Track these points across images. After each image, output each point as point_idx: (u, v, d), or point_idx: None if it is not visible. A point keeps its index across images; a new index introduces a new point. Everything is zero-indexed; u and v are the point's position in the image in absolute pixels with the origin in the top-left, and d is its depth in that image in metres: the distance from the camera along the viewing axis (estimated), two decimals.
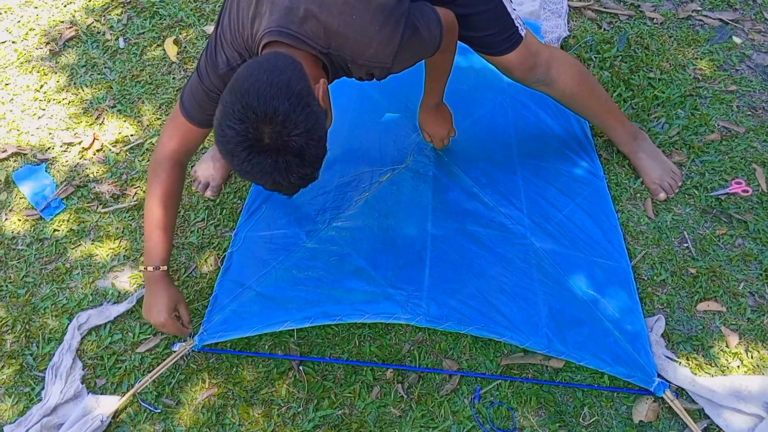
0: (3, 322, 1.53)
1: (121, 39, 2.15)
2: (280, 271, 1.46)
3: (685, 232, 1.60)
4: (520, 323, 1.33)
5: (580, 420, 1.32)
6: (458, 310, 1.34)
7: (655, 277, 1.52)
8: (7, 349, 1.49)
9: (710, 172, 1.70)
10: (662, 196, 1.64)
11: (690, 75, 1.91)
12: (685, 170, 1.71)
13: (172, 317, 1.33)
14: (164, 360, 1.41)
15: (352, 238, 1.49)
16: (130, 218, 1.70)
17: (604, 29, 2.07)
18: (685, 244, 1.58)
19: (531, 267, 1.45)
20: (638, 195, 1.67)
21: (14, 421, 1.34)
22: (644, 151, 1.68)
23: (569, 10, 2.16)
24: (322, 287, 1.39)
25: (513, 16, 1.38)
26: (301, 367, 1.42)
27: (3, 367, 1.46)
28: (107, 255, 1.63)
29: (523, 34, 1.40)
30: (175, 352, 1.40)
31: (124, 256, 1.63)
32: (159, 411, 1.38)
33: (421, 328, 1.42)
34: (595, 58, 1.98)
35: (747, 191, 1.64)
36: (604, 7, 2.15)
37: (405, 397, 1.37)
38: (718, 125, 1.79)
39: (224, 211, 1.69)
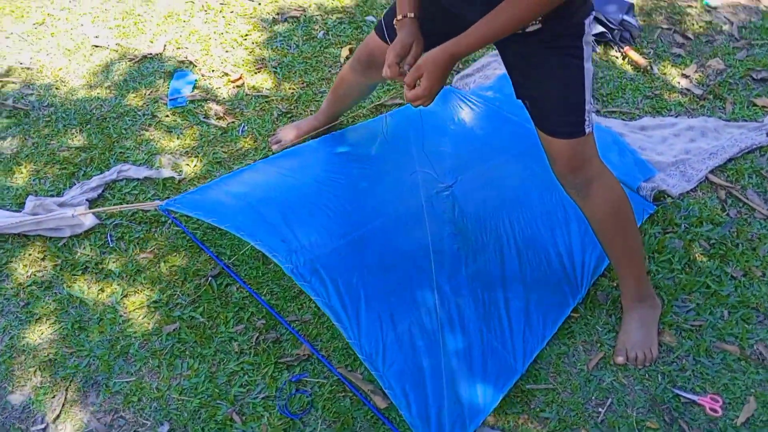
0: (91, 147, 2.18)
1: (321, 32, 2.80)
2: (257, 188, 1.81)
3: (610, 401, 1.52)
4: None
5: None
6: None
7: (540, 413, 1.49)
8: (78, 160, 2.13)
9: (696, 373, 1.59)
10: (620, 359, 1.61)
11: (764, 291, 1.78)
12: (672, 356, 1.62)
13: (395, 61, 1.39)
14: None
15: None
16: (211, 135, 2.26)
17: (726, 213, 2.02)
18: (600, 410, 1.51)
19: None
20: (598, 345, 1.65)
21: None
22: (641, 317, 1.67)
23: (705, 181, 2.15)
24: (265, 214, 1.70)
25: (587, 109, 1.42)
26: (211, 280, 1.76)
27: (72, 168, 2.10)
28: (175, 146, 2.20)
29: (587, 131, 1.44)
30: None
31: (178, 151, 2.17)
32: (111, 245, 1.85)
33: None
34: (685, 225, 1.97)
35: (716, 411, 1.50)
36: (745, 197, 2.09)
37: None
38: (754, 347, 1.64)
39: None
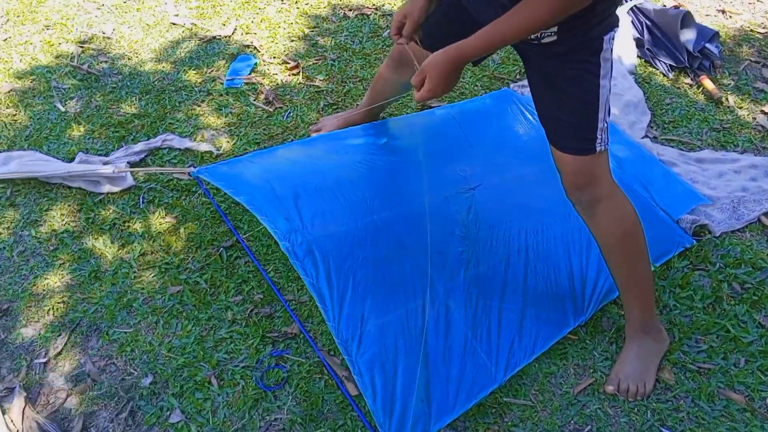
0: (145, 115, 2.35)
1: (387, 31, 2.87)
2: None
3: (590, 428, 1.48)
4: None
5: None
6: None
7: (512, 427, 1.47)
8: (134, 125, 2.30)
9: (691, 416, 1.52)
10: (610, 389, 1.56)
11: None
12: (669, 394, 1.55)
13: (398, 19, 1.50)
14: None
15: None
16: (256, 117, 2.37)
17: None
18: None
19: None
20: (590, 371, 1.60)
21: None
22: (641, 349, 1.61)
23: (756, 223, 2.04)
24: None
25: (599, 127, 1.41)
26: (222, 250, 1.85)
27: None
28: (220, 123, 2.32)
29: (598, 149, 1.42)
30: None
31: (222, 129, 2.30)
32: (141, 206, 1.99)
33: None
34: (720, 264, 1.88)
35: None
36: None
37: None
38: (766, 401, 1.54)
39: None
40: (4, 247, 1.89)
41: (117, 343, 1.66)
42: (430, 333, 1.55)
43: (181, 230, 1.94)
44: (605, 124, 1.43)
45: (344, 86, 2.55)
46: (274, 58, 2.69)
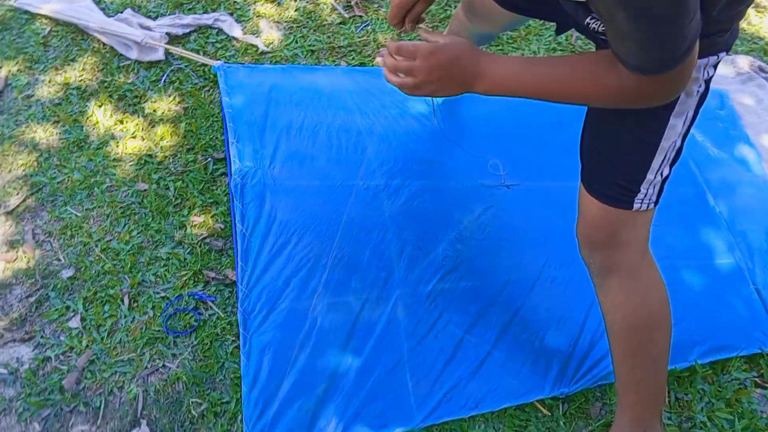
0: None
1: None
2: None
3: None
4: None
5: None
6: None
7: None
8: None
9: None
10: None
11: None
12: None
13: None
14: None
15: None
16: (327, 21, 2.20)
17: None
18: None
19: None
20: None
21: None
22: None
23: None
24: None
25: (649, 179, 1.12)
26: (210, 161, 1.74)
27: None
28: (285, 17, 2.16)
29: (636, 206, 1.13)
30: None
31: (284, 24, 2.13)
32: (160, 85, 1.91)
33: None
34: None
35: None
36: None
37: None
38: None
39: None
40: (16, 86, 1.91)
41: (62, 223, 1.64)
42: (355, 338, 1.35)
43: (183, 125, 1.85)
44: (659, 178, 1.12)
45: (447, 11, 2.25)
46: None
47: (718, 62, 1.07)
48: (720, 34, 1.03)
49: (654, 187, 1.13)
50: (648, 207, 1.13)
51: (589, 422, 1.41)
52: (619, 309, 1.20)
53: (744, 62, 2.37)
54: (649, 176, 1.11)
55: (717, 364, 1.54)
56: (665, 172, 1.13)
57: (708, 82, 1.08)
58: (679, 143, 1.11)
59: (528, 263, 1.53)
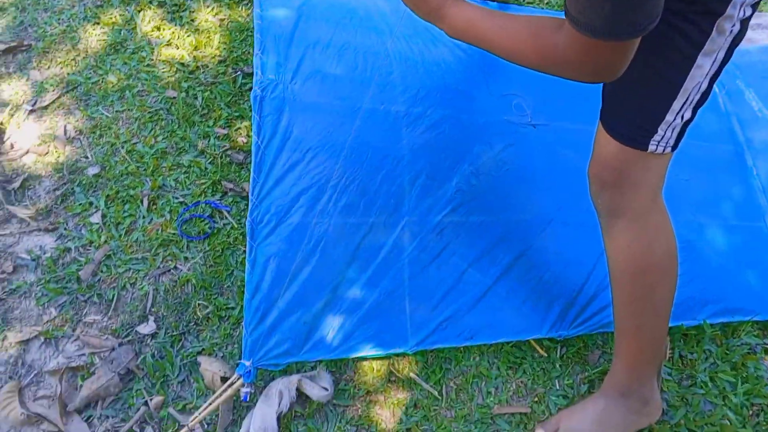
0: None
1: None
2: None
3: None
4: None
5: None
6: None
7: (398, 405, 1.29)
8: None
9: None
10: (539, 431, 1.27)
11: None
12: None
13: None
14: None
15: None
16: None
17: None
18: None
19: None
20: (533, 398, 1.36)
21: None
22: (606, 412, 1.30)
23: None
24: None
25: (667, 120, 1.06)
26: (239, 74, 1.73)
27: None
28: None
29: (651, 148, 1.08)
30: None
31: None
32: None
33: None
34: None
35: None
36: None
37: None
38: None
39: None
40: None
41: (93, 123, 1.68)
42: (359, 259, 1.36)
43: (217, 36, 1.84)
44: (679, 121, 1.07)
45: None
46: None
47: (757, 2, 1.00)
48: None
49: (673, 130, 1.07)
50: (664, 150, 1.08)
51: (586, 368, 1.40)
52: (623, 252, 1.17)
53: None
54: (668, 117, 1.05)
55: (728, 327, 1.49)
56: (687, 115, 1.07)
57: (744, 22, 1.01)
58: (705, 85, 1.05)
59: (543, 204, 1.49)
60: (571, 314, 1.39)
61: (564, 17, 0.87)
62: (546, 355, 1.41)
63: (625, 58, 0.87)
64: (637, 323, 1.23)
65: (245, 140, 1.66)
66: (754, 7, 1.00)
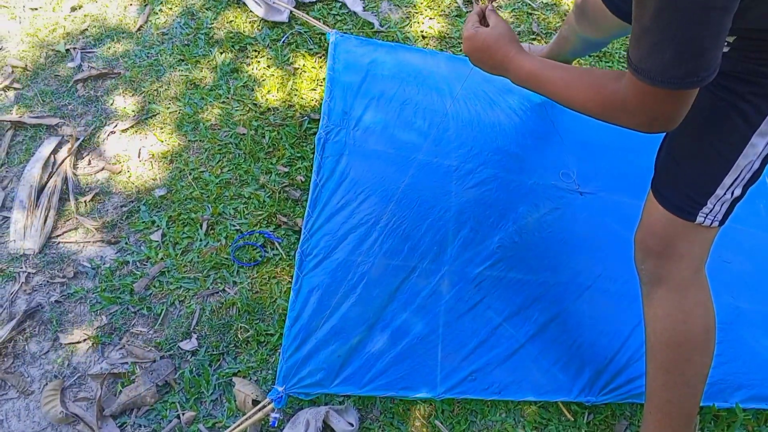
0: None
1: None
2: None
3: None
4: None
5: None
6: None
7: None
8: None
9: None
10: None
11: None
12: None
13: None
14: None
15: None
16: (451, 10, 2.20)
17: None
18: None
19: None
20: None
21: None
22: None
23: None
24: None
25: (717, 194, 1.08)
26: (306, 120, 1.81)
27: None
28: (418, 5, 2.20)
29: (699, 220, 1.10)
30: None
31: (411, 11, 2.18)
32: (280, 44, 2.01)
33: None
34: None
35: None
36: None
37: None
38: None
39: None
40: (155, 24, 2.07)
41: (166, 148, 1.77)
42: (397, 300, 1.38)
43: (290, 83, 1.93)
44: (729, 196, 1.08)
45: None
46: None
47: None
48: None
49: (722, 205, 1.08)
50: (711, 224, 1.10)
51: None
52: (660, 321, 1.17)
53: None
54: (719, 191, 1.07)
55: (761, 414, 1.44)
56: (737, 192, 1.08)
57: None
58: (757, 165, 1.06)
59: (583, 269, 1.49)
60: (601, 381, 1.37)
61: (626, 68, 0.91)
62: (573, 419, 1.39)
63: (681, 108, 0.89)
64: (668, 396, 1.21)
65: (303, 179, 1.72)
66: None
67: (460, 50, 2.11)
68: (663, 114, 0.90)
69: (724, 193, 1.08)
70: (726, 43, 1.00)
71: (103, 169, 1.72)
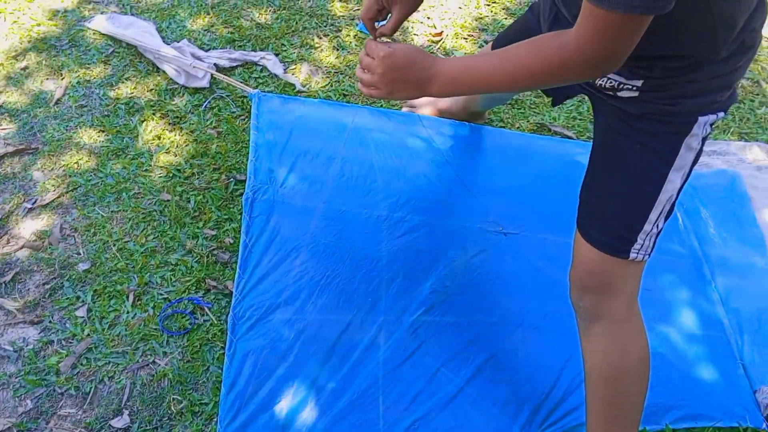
0: (267, 28, 2.34)
1: None
2: None
3: None
4: None
5: None
6: None
7: None
8: None
9: None
10: None
11: None
12: None
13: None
14: None
15: None
16: None
17: None
18: None
19: None
20: None
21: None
22: None
23: None
24: None
25: (646, 230, 1.11)
26: (232, 181, 1.79)
27: None
28: (327, 62, 2.24)
29: (632, 256, 1.12)
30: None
31: (324, 68, 2.21)
32: (202, 109, 1.99)
33: None
34: None
35: None
36: None
37: None
38: None
39: None
40: (73, 96, 2.01)
41: (88, 221, 1.70)
42: (335, 356, 1.35)
43: (214, 146, 1.91)
44: (655, 230, 1.12)
45: None
46: (428, 18, 2.52)
47: (716, 122, 1.08)
48: (721, 92, 1.04)
49: (650, 239, 1.12)
50: (643, 258, 1.12)
51: None
52: (599, 356, 1.17)
53: (763, 151, 2.34)
54: (647, 227, 1.10)
55: None
56: (660, 225, 1.12)
57: (704, 140, 1.08)
58: (674, 198, 1.11)
59: (513, 308, 1.50)
60: (540, 416, 1.36)
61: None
62: None
63: (633, 36, 0.85)
64: (607, 428, 1.21)
65: (232, 241, 1.68)
66: (712, 126, 1.08)
67: (382, 104, 2.15)
68: (615, 47, 0.86)
69: (651, 228, 1.11)
70: (635, 88, 1.05)
71: (22, 247, 1.64)
